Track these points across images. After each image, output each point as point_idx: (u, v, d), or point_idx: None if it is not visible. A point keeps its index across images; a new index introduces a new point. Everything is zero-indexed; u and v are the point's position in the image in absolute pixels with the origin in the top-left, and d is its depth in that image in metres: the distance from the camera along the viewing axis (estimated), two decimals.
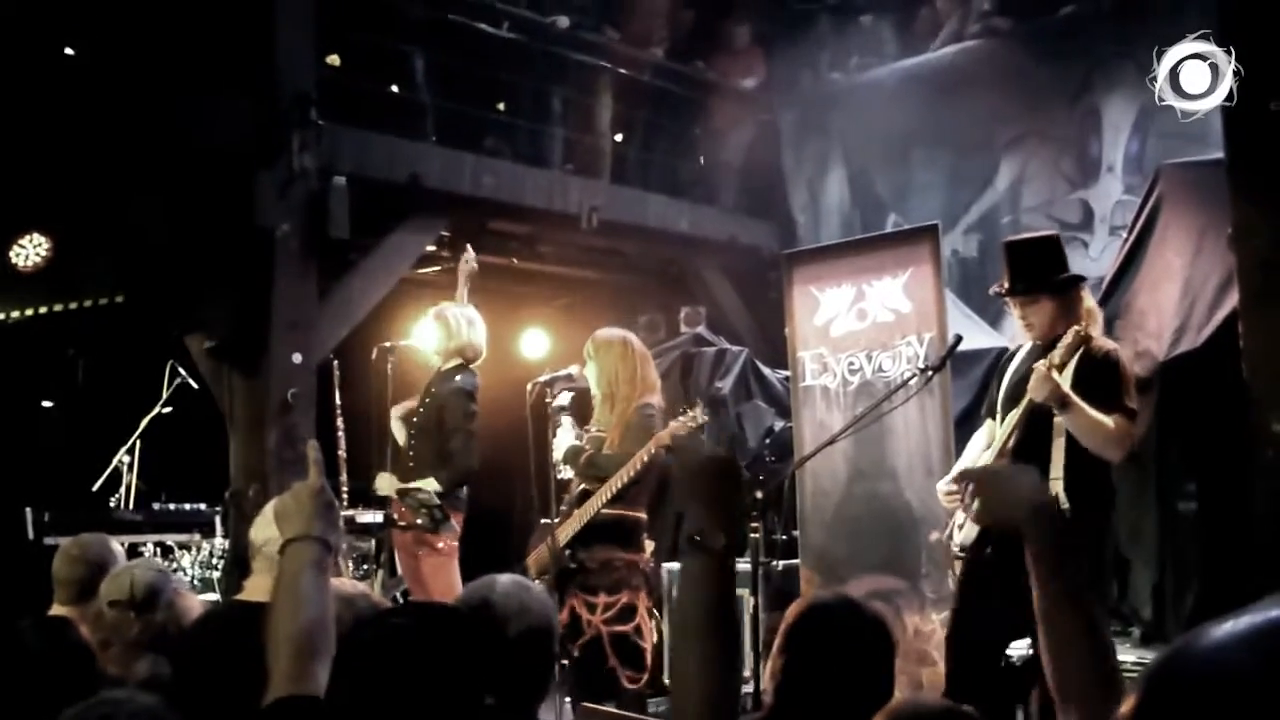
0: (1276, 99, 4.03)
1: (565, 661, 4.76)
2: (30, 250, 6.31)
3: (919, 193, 9.12)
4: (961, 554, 4.33)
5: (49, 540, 6.19)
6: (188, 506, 7.36)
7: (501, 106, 8.77)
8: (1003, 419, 4.30)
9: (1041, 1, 8.70)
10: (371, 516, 6.73)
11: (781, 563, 6.56)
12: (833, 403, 6.30)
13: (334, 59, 7.53)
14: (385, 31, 7.66)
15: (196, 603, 3.35)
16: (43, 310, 7.07)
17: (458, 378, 5.89)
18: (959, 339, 4.97)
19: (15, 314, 7.77)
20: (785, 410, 7.07)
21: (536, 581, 4.95)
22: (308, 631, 2.11)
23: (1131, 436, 4.15)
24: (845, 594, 2.35)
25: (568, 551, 5.12)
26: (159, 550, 7.10)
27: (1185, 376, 5.51)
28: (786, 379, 6.96)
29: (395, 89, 8.02)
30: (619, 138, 9.40)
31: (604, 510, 5.05)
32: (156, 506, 7.32)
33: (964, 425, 5.95)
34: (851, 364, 6.24)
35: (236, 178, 6.54)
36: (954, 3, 9.19)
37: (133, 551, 6.52)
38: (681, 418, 4.96)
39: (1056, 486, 4.04)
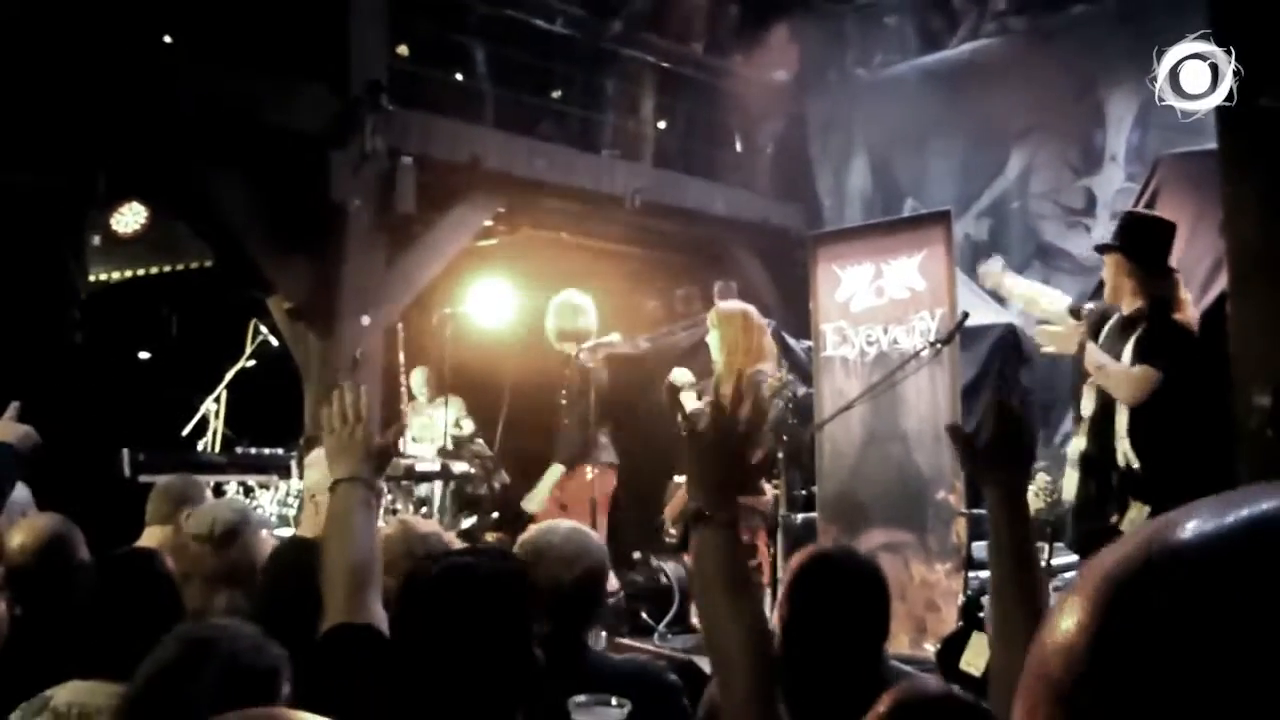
0: (1266, 94, 3.94)
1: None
2: (130, 218, 6.37)
3: (935, 180, 9.02)
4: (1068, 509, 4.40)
5: (143, 478, 6.27)
6: (267, 451, 7.41)
7: (555, 95, 8.74)
8: (1081, 389, 4.40)
9: (1050, 2, 8.56)
10: (429, 465, 6.77)
11: (801, 516, 6.54)
12: (851, 372, 6.26)
13: (403, 49, 7.53)
14: (450, 25, 7.65)
15: (268, 542, 3.38)
16: (140, 272, 7.16)
17: None
18: (965, 315, 4.94)
19: (116, 275, 7.85)
20: (807, 377, 7.03)
21: (672, 530, 5.08)
22: (359, 566, 2.11)
23: (1145, 385, 4.11)
24: (845, 545, 2.34)
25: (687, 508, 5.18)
26: (241, 489, 7.18)
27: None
28: (809, 349, 6.92)
29: (459, 77, 8.00)
30: (662, 125, 9.35)
31: None
32: (239, 450, 7.38)
33: (970, 394, 5.90)
34: (869, 336, 6.20)
35: (313, 157, 6.56)
36: (971, 3, 9.05)
37: (218, 490, 6.63)
38: (770, 376, 5.17)
39: (1124, 445, 4.09)
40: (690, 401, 5.49)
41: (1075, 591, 0.56)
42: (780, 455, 5.04)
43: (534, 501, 6.00)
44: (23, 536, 3.05)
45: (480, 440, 6.65)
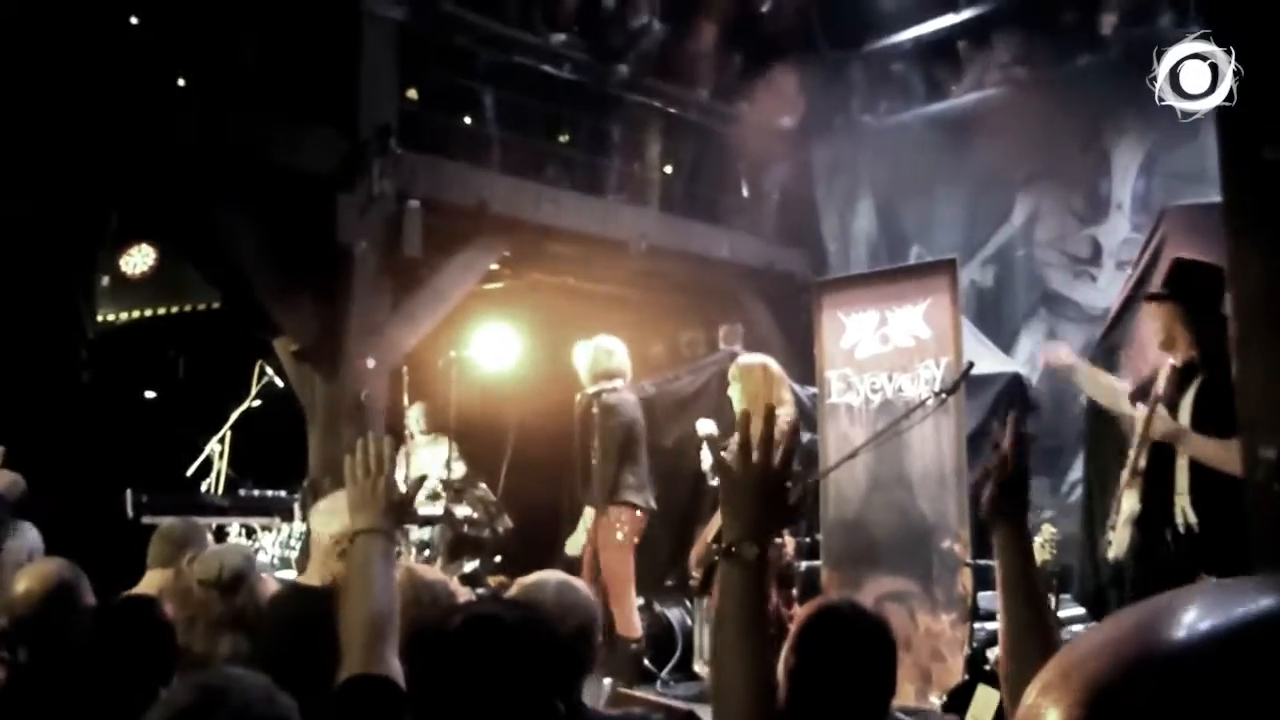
0: (1269, 146, 3.95)
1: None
2: (139, 259, 6.41)
3: (940, 226, 9.06)
4: (1114, 564, 4.30)
5: (146, 519, 6.26)
6: (270, 493, 7.41)
7: (562, 139, 8.80)
8: (1137, 444, 4.25)
9: (1056, 53, 8.63)
10: (431, 509, 6.76)
11: (805, 563, 6.51)
12: (855, 419, 6.25)
13: (412, 93, 7.59)
14: (459, 71, 7.71)
15: (272, 587, 3.37)
16: (148, 313, 7.18)
17: None
18: (970, 365, 4.93)
19: (124, 315, 7.88)
20: (811, 424, 7.02)
21: (695, 573, 5.15)
22: (377, 617, 2.11)
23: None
24: (852, 598, 2.33)
25: (714, 545, 5.26)
26: (244, 531, 7.17)
27: None
28: (814, 395, 6.92)
29: (467, 122, 8.06)
30: (668, 170, 9.40)
31: None
32: (242, 492, 7.38)
33: (975, 442, 5.89)
34: (874, 384, 6.20)
35: (321, 199, 6.59)
36: (976, 53, 9.13)
37: (220, 532, 6.61)
38: (783, 417, 5.21)
39: (1183, 502, 3.99)
40: (706, 453, 5.56)
41: (1054, 686, 0.52)
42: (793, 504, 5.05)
43: (573, 545, 6.06)
44: (29, 582, 3.05)
45: (484, 485, 6.64)
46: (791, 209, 9.91)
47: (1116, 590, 4.70)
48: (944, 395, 4.96)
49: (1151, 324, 4.38)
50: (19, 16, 5.54)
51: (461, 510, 6.83)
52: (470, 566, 6.98)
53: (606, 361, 6.13)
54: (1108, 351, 6.05)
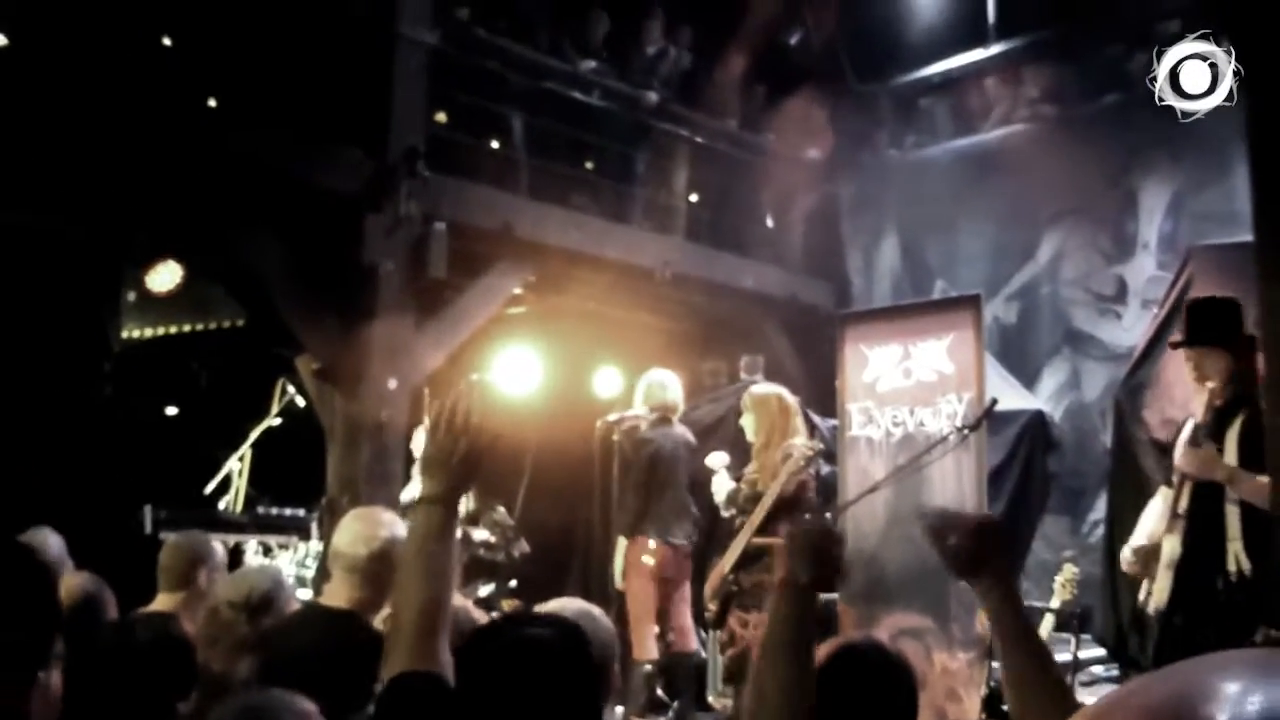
0: None
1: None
2: (165, 276, 6.44)
3: (965, 262, 9.04)
4: (1154, 618, 4.09)
5: (164, 536, 6.27)
6: (288, 511, 7.42)
7: (589, 166, 8.83)
8: (1178, 484, 4.10)
9: (1084, 91, 8.62)
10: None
11: (822, 596, 6.45)
12: (876, 452, 6.21)
13: (441, 116, 7.63)
14: (488, 95, 7.75)
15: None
16: (173, 330, 7.22)
17: None
18: (994, 402, 4.89)
19: (150, 332, 7.93)
20: (831, 456, 6.98)
21: (711, 605, 5.18)
22: (430, 604, 1.90)
23: None
24: (873, 637, 2.31)
25: (730, 576, 5.26)
26: (261, 549, 7.18)
27: None
28: (834, 428, 6.88)
29: (494, 146, 8.10)
30: (694, 199, 9.42)
31: (754, 540, 5.31)
32: (260, 510, 7.40)
33: (996, 480, 5.84)
34: (895, 418, 6.16)
35: (348, 219, 6.62)
36: (1004, 89, 9.12)
37: (236, 550, 6.62)
38: (801, 446, 5.41)
39: (1235, 547, 3.82)
40: (723, 483, 5.57)
41: None
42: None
43: (618, 576, 6.12)
44: None
45: (501, 509, 6.63)
46: (817, 241, 9.91)
47: (1138, 635, 4.60)
48: (966, 431, 4.93)
49: (1185, 365, 4.28)
50: (52, 35, 5.61)
51: (478, 534, 6.81)
52: (485, 590, 6.95)
53: (660, 394, 6.20)
54: (1133, 391, 6.00)
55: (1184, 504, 4.02)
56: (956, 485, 5.81)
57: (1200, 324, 4.26)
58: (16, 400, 7.19)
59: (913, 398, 6.11)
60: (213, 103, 6.49)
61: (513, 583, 7.21)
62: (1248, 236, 5.08)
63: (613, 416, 5.55)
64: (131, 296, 6.51)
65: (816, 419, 7.98)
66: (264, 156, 6.29)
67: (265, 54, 6.48)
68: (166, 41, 6.31)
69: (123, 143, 5.86)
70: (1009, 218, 8.77)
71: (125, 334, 6.74)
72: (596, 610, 2.72)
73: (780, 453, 5.43)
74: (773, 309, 9.47)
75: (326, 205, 6.60)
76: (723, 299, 9.24)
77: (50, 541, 4.11)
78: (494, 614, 6.93)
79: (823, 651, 2.15)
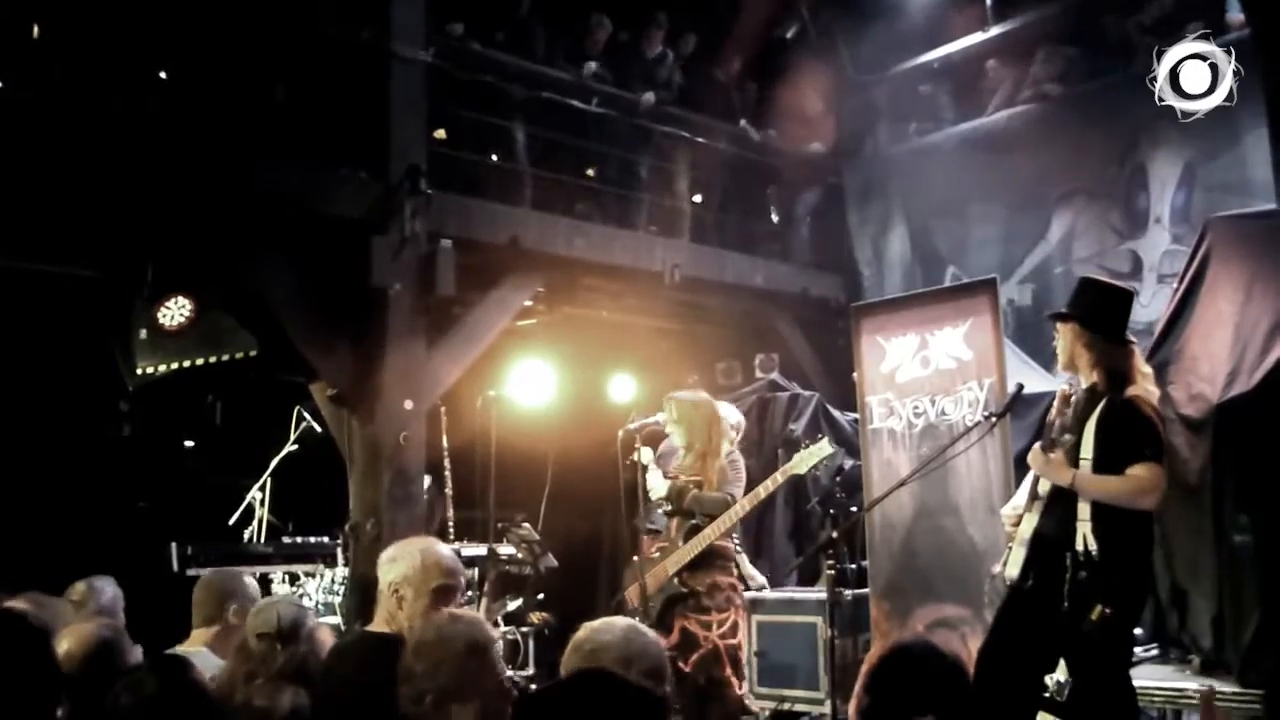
0: None
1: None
2: (175, 311, 6.43)
3: (976, 247, 8.99)
4: (1005, 584, 4.18)
5: (191, 572, 6.27)
6: (312, 539, 7.42)
7: (591, 173, 8.82)
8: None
9: (1089, 68, 8.58)
10: (474, 550, 6.73)
11: (852, 592, 6.42)
12: (899, 444, 6.19)
13: (440, 133, 7.62)
14: (487, 108, 7.75)
15: (330, 635, 3.34)
16: (186, 364, 7.22)
17: None
18: (1021, 387, 4.84)
19: (163, 368, 7.93)
20: (854, 450, 6.96)
21: (636, 609, 5.06)
22: None
23: (1155, 482, 3.90)
24: (925, 637, 2.27)
25: (675, 579, 5.20)
26: (287, 579, 7.17)
27: (1239, 417, 5.28)
28: (855, 421, 6.86)
29: (496, 159, 8.09)
30: (698, 199, 9.40)
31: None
32: (285, 540, 7.39)
33: (1023, 465, 5.80)
34: (916, 408, 6.13)
35: (355, 242, 6.62)
36: (1007, 70, 9.09)
37: (263, 580, 6.61)
38: (811, 447, 5.36)
39: (1084, 529, 3.89)
40: (659, 479, 5.49)
41: None
42: (833, 535, 4.99)
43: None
44: (69, 644, 3.02)
45: (527, 524, 6.62)
46: (824, 234, 9.90)
47: (1178, 613, 4.59)
48: (994, 418, 4.89)
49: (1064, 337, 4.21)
50: (53, 69, 5.62)
51: (504, 549, 6.81)
52: (514, 605, 6.95)
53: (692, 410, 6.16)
54: (1158, 368, 5.95)
55: (1043, 486, 4.11)
56: (983, 472, 5.79)
57: (1087, 302, 4.18)
58: (38, 445, 7.20)
59: (933, 387, 6.08)
60: (213, 133, 6.49)
61: (540, 596, 7.20)
62: (1264, 204, 5.05)
63: (633, 425, 5.51)
64: (143, 334, 6.50)
65: (836, 413, 7.96)
66: (268, 185, 6.29)
67: (265, 85, 6.49)
68: (162, 75, 6.31)
69: (127, 179, 5.85)
70: (1018, 200, 8.72)
71: (139, 371, 6.73)
72: (641, 624, 2.70)
73: (727, 458, 5.38)
74: (784, 305, 9.45)
75: (332, 230, 6.60)
76: (733, 298, 9.22)
77: (105, 589, 4.14)
78: (523, 629, 6.94)
79: (874, 652, 2.12)
